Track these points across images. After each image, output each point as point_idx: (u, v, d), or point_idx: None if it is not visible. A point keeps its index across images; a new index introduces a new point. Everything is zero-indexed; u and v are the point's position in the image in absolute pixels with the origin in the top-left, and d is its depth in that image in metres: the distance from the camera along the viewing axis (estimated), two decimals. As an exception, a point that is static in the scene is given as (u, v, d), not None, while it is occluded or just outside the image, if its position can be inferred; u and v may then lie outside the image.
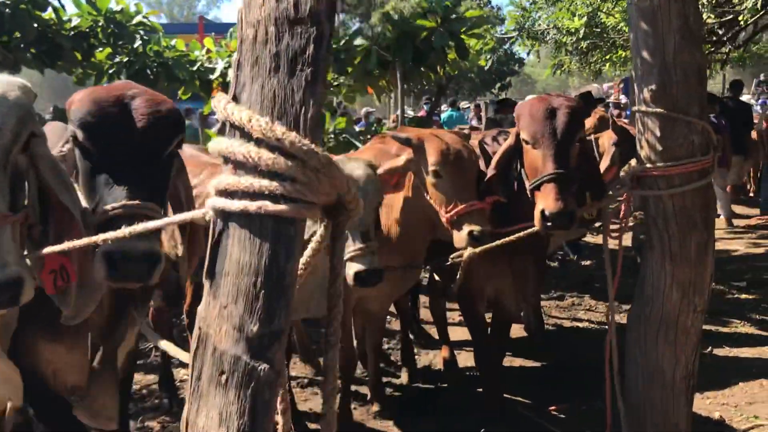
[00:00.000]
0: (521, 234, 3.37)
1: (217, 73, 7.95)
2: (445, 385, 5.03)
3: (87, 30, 7.99)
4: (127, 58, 8.11)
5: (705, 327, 5.96)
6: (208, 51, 8.49)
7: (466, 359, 5.43)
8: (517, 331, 6.18)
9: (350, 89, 9.37)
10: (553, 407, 4.46)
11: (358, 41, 8.05)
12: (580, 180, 3.44)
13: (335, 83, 9.20)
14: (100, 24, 7.99)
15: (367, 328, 4.59)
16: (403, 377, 5.09)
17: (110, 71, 8.19)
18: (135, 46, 8.08)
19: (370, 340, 4.53)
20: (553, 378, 4.94)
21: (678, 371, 3.39)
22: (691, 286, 3.28)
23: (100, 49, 7.98)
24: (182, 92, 8.99)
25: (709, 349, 5.42)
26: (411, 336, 5.70)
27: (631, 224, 3.57)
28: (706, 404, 4.49)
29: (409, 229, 3.76)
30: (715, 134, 9.84)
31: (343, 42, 8.10)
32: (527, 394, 4.71)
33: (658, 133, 3.19)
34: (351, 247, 3.22)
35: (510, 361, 5.44)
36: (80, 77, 8.80)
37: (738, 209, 11.63)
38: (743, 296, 6.84)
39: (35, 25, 7.60)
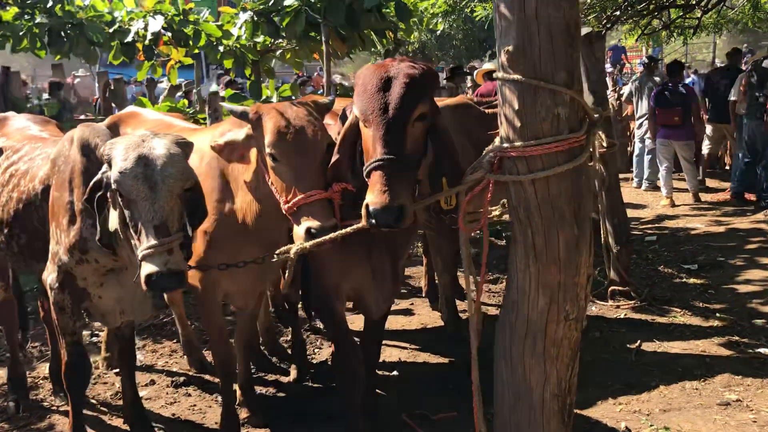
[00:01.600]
0: (347, 231, 2.81)
1: (130, 36, 7.29)
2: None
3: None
4: (39, 19, 7.44)
5: (641, 317, 5.61)
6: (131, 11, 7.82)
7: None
8: (430, 318, 5.67)
9: (295, 54, 8.74)
10: (440, 415, 3.95)
11: (288, 1, 7.39)
12: (432, 165, 2.89)
13: (273, 47, 8.58)
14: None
15: (236, 324, 4.07)
16: (291, 375, 4.58)
17: (22, 33, 7.54)
18: (48, 6, 7.40)
19: (237, 337, 4.01)
20: (457, 377, 4.40)
21: (548, 389, 2.85)
22: (560, 290, 2.73)
23: (7, 8, 7.31)
24: (112, 57, 8.37)
25: (638, 343, 4.90)
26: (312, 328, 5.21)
27: (497, 212, 3.01)
28: (616, 411, 3.98)
29: (267, 213, 3.17)
30: (682, 102, 9.27)
31: (272, 2, 7.43)
32: (421, 397, 4.20)
33: (515, 105, 2.62)
34: (144, 243, 2.67)
35: (414, 355, 4.93)
36: (1, 41, 8.18)
37: (711, 183, 11.05)
38: (691, 281, 6.30)
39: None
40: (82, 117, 9.97)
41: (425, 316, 5.76)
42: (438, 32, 14.71)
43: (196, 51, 8.43)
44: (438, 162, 2.90)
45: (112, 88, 11.20)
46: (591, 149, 2.73)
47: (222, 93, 9.09)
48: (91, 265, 3.16)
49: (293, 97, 8.65)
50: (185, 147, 2.86)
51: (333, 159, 2.91)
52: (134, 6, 7.66)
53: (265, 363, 4.79)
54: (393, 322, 5.57)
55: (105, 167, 2.80)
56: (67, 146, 3.22)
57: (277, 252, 2.98)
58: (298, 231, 2.86)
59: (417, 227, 3.58)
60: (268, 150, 2.95)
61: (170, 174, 2.70)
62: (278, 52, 8.89)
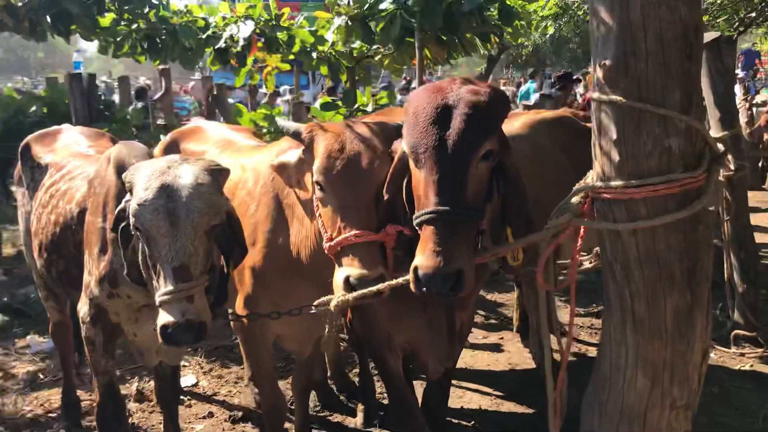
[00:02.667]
0: (389, 284, 2.31)
1: (222, 41, 7.11)
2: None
3: (94, -6, 7.34)
4: (135, 25, 7.41)
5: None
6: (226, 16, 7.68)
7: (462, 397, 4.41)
8: (521, 357, 5.07)
9: (394, 60, 8.34)
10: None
11: (384, 5, 6.98)
12: (496, 213, 2.35)
13: (369, 53, 8.20)
14: (107, -15, 7.33)
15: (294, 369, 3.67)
16: (357, 417, 4.13)
17: (119, 40, 7.55)
18: (145, 11, 7.35)
19: (294, 381, 3.59)
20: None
21: (646, 492, 2.26)
22: (666, 370, 2.13)
23: (105, 15, 7.32)
24: (209, 62, 8.29)
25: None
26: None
27: (590, 266, 2.42)
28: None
29: (324, 250, 2.72)
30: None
31: (367, 6, 7.05)
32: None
33: (613, 134, 2.05)
34: (161, 287, 2.29)
35: (497, 403, 4.37)
36: (104, 46, 8.28)
37: None
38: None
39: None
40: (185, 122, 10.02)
41: (515, 354, 5.16)
42: (551, 35, 13.96)
43: (291, 57, 8.18)
44: (504, 208, 2.35)
45: (215, 93, 11.21)
46: (713, 189, 2.11)
47: (319, 100, 8.83)
48: (122, 300, 2.84)
49: (390, 105, 8.28)
50: (218, 175, 2.46)
51: (385, 197, 2.43)
52: (228, 11, 7.48)
53: (331, 400, 4.37)
54: (478, 360, 5.03)
55: (128, 195, 2.45)
56: (104, 166, 2.92)
57: (315, 303, 2.52)
58: (337, 278, 2.40)
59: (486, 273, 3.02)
60: (314, 177, 2.52)
61: (195, 208, 2.31)
62: (377, 58, 8.51)
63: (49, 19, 7.58)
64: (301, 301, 2.74)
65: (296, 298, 2.84)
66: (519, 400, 4.38)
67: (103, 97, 7.55)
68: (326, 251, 2.47)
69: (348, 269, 2.37)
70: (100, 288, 2.84)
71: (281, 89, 14.22)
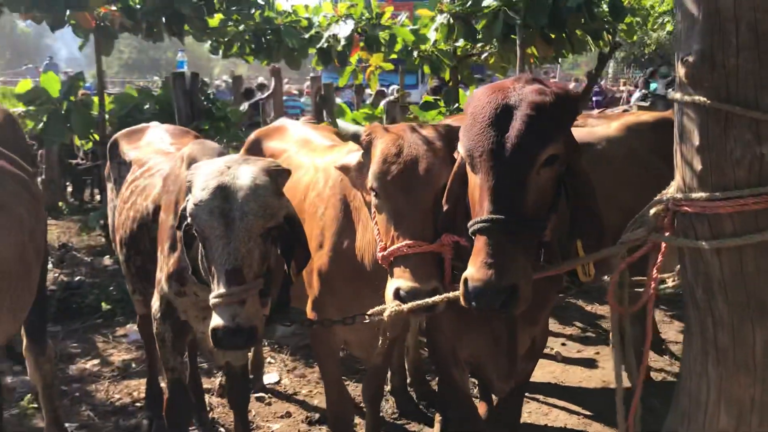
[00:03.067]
0: (445, 297, 2.15)
1: (323, 41, 7.15)
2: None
3: (204, -7, 7.57)
4: (242, 26, 7.60)
5: None
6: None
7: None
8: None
9: (500, 58, 8.13)
10: None
11: (488, 2, 6.78)
12: (564, 223, 2.14)
13: (472, 51, 8.02)
14: (217, -14, 7.53)
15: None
16: (435, 429, 3.99)
17: (228, 40, 7.76)
18: (251, 11, 7.52)
19: (365, 389, 3.49)
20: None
21: None
22: (754, 409, 1.88)
23: (213, 15, 7.54)
24: (315, 63, 8.40)
25: None
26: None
27: (670, 285, 2.16)
28: None
29: None
30: None
31: (470, 3, 6.88)
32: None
33: (696, 140, 1.82)
34: (215, 290, 2.26)
35: (585, 423, 4.10)
36: (215, 46, 8.55)
37: None
38: None
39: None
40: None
41: (610, 371, 4.83)
42: (672, 33, 13.12)
43: (394, 56, 8.13)
44: (574, 219, 2.14)
45: (323, 93, 11.35)
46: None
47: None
48: (190, 298, 2.84)
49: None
50: (276, 176, 2.40)
51: (444, 205, 2.28)
52: (331, 11, 7.52)
53: (409, 407, 4.26)
54: (570, 375, 4.76)
55: (189, 195, 2.44)
56: (178, 164, 2.94)
57: (369, 313, 2.41)
58: (388, 289, 2.28)
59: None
60: (369, 182, 2.41)
61: (250, 210, 2.26)
62: (483, 56, 8.31)
63: (164, 21, 7.93)
64: (367, 308, 2.64)
65: (362, 304, 2.73)
66: (609, 422, 4.09)
67: (211, 96, 7.77)
68: (379, 261, 2.36)
69: (399, 281, 2.24)
70: (169, 285, 2.86)
71: (390, 89, 14.24)
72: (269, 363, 4.95)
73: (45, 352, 3.49)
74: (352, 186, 2.72)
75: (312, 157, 3.39)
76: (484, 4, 6.80)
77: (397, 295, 2.25)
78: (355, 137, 2.55)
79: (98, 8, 7.14)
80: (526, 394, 4.37)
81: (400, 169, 2.34)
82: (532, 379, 4.52)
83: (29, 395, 4.15)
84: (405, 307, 2.19)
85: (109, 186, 3.77)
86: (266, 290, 2.38)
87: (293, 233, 2.51)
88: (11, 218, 2.59)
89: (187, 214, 2.32)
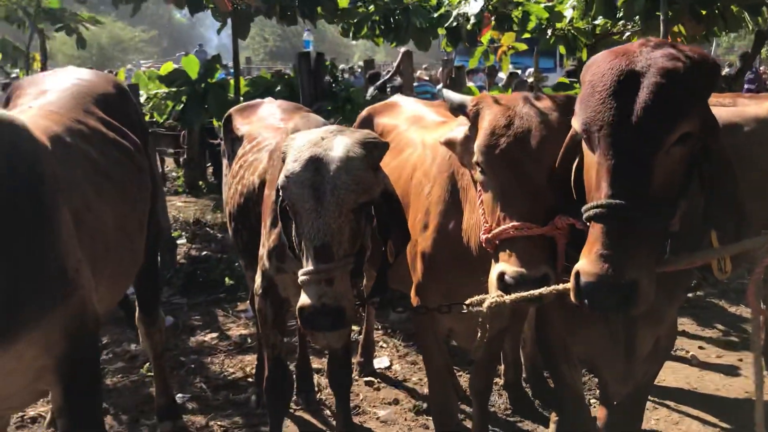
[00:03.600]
0: (554, 288, 1.90)
1: (451, 19, 6.91)
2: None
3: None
4: (372, 6, 7.53)
5: None
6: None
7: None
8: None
9: (643, 37, 7.55)
10: None
11: (631, -27, 6.29)
12: (697, 211, 1.83)
13: (613, 30, 7.49)
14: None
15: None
16: (550, 430, 3.72)
17: (358, 22, 7.73)
18: (379, -9, 7.44)
19: (472, 384, 3.26)
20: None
21: None
22: None
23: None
24: (444, 44, 8.21)
25: None
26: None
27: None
28: None
29: None
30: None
31: (610, -25, 6.41)
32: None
33: None
34: (304, 267, 2.14)
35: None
36: (345, 29, 8.57)
37: None
38: None
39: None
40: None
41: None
42: None
43: (527, 35, 7.75)
44: (709, 205, 1.83)
45: (453, 76, 11.12)
46: None
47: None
48: (289, 276, 2.76)
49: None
50: (372, 149, 2.24)
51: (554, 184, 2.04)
52: (462, -12, 7.26)
53: (524, 404, 4.01)
54: (707, 382, 4.32)
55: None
56: (283, 138, 2.85)
57: (467, 302, 2.20)
58: (492, 275, 2.07)
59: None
60: (474, 156, 2.20)
61: (342, 183, 2.13)
62: (625, 35, 7.77)
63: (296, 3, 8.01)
64: (473, 295, 2.44)
65: (467, 291, 2.52)
66: (749, 438, 3.65)
67: (339, 78, 7.78)
68: (483, 244, 2.15)
69: (504, 265, 2.03)
70: (269, 262, 2.79)
71: (527, 72, 13.75)
72: (381, 347, 4.86)
73: (156, 323, 3.56)
74: (459, 163, 2.53)
75: (421, 134, 3.23)
76: (626, -24, 6.31)
77: (501, 280, 2.04)
78: (461, 108, 2.35)
79: (234, -8, 7.31)
80: (656, 399, 4.00)
81: (510, 142, 2.13)
82: (663, 384, 4.14)
83: (148, 363, 4.29)
84: (507, 298, 1.98)
85: (224, 162, 3.78)
86: (357, 270, 2.24)
87: (390, 211, 2.35)
88: (113, 187, 2.61)
89: (279, 186, 2.22)
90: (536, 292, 1.95)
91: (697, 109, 1.75)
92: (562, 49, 8.00)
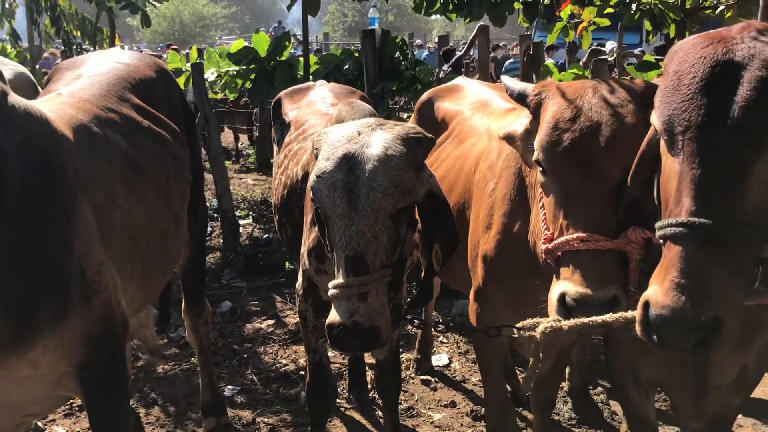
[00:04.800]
0: (623, 315, 1.60)
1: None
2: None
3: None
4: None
5: None
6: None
7: None
8: None
9: (739, 12, 6.96)
10: None
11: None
12: None
13: (704, 3, 6.90)
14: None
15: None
16: (620, 440, 3.41)
17: None
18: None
19: (534, 398, 2.98)
20: None
21: None
22: None
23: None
24: (521, 19, 7.80)
25: None
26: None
27: None
28: None
29: None
30: None
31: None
32: None
33: None
34: (334, 279, 1.92)
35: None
36: (417, 4, 8.25)
37: None
38: None
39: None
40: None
41: None
42: None
43: (609, 10, 7.25)
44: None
45: (531, 53, 10.62)
46: None
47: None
48: (329, 277, 2.54)
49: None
50: (415, 146, 1.98)
51: (628, 191, 1.74)
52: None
53: (590, 413, 3.71)
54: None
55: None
56: (331, 124, 2.63)
57: (518, 326, 1.93)
58: (552, 294, 1.79)
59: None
60: (535, 154, 1.91)
61: (379, 186, 1.88)
62: (718, 10, 7.16)
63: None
64: (541, 306, 2.16)
65: (534, 301, 2.26)
66: None
67: (409, 55, 7.47)
68: (542, 256, 1.87)
69: (566, 284, 1.75)
70: (309, 262, 2.59)
71: (609, 47, 13.04)
72: (440, 343, 4.62)
73: (202, 315, 3.44)
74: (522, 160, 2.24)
75: (487, 122, 2.94)
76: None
77: (562, 303, 1.77)
78: (521, 97, 2.06)
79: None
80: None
81: (576, 137, 1.83)
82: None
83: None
84: (565, 324, 1.71)
85: (275, 149, 3.59)
86: (397, 283, 1.99)
87: (437, 214, 2.09)
88: (145, 181, 2.45)
89: (310, 187, 2.00)
90: (600, 318, 1.67)
91: None
92: (647, 25, 7.47)
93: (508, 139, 2.18)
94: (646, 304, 1.44)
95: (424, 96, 3.60)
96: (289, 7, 9.06)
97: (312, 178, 1.98)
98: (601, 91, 1.91)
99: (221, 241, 6.52)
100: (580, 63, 9.96)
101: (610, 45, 11.95)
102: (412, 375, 4.22)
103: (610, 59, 10.31)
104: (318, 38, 36.04)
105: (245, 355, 4.44)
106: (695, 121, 1.43)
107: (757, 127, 1.39)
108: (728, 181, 1.40)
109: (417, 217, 2.14)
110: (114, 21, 8.75)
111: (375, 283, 1.88)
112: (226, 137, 11.68)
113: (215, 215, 6.88)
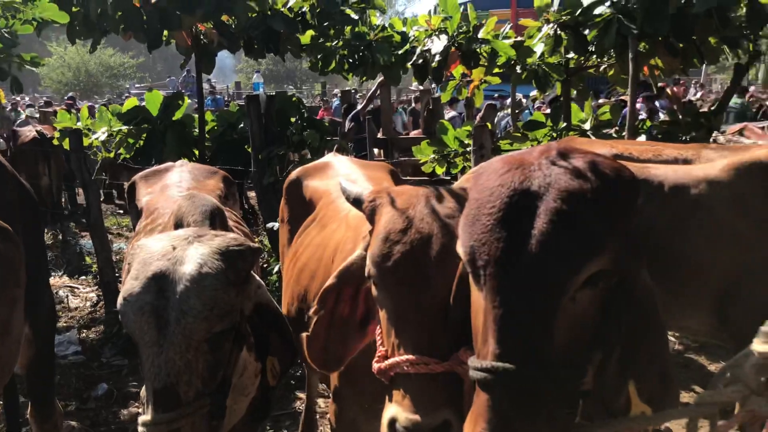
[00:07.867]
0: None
1: (415, 56, 6.57)
2: None
3: (298, 11, 7.23)
4: (336, 41, 7.20)
5: None
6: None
7: None
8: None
9: (620, 70, 7.23)
10: None
11: (600, 9, 5.97)
12: (613, 359, 1.43)
13: (585, 64, 7.15)
14: (311, 2, 7.16)
15: None
16: None
17: (325, 56, 7.39)
18: (344, 27, 7.10)
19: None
20: None
21: None
22: None
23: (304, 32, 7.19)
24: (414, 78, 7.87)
25: None
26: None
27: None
28: None
29: None
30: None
31: (579, 12, 6.09)
32: None
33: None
34: (142, 415, 1.74)
35: None
36: (313, 63, 8.23)
37: None
38: None
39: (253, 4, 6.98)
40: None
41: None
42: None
43: (497, 70, 7.42)
44: (626, 353, 1.43)
45: (430, 107, 10.77)
46: None
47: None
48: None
49: (612, 121, 7.22)
50: (237, 260, 1.84)
51: (451, 313, 1.64)
52: (425, 25, 6.94)
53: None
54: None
55: None
56: (170, 224, 2.45)
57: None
58: (383, 418, 1.67)
59: None
60: (367, 267, 1.80)
61: (191, 309, 1.72)
62: (602, 68, 7.43)
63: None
64: None
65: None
66: None
67: (305, 116, 7.41)
68: (375, 373, 1.75)
69: (395, 409, 1.63)
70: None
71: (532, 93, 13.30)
72: (328, 422, 4.42)
73: (51, 418, 3.15)
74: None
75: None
76: (595, 12, 5.97)
77: (392, 428, 1.64)
78: (357, 203, 1.95)
79: (191, 27, 6.97)
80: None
81: (405, 251, 1.72)
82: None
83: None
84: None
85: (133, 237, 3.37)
86: (218, 410, 1.82)
87: (268, 327, 1.94)
88: None
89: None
90: None
91: (612, 240, 1.33)
92: (534, 84, 7.69)
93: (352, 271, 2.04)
94: None
95: (293, 174, 3.48)
96: (182, 66, 8.88)
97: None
98: (433, 200, 1.83)
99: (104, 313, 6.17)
100: (477, 117, 10.16)
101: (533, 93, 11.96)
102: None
103: (505, 111, 10.58)
104: (229, 87, 35.69)
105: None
106: (494, 255, 1.34)
107: (556, 263, 1.30)
108: (531, 321, 1.30)
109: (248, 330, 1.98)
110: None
111: (189, 417, 1.70)
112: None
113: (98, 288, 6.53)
